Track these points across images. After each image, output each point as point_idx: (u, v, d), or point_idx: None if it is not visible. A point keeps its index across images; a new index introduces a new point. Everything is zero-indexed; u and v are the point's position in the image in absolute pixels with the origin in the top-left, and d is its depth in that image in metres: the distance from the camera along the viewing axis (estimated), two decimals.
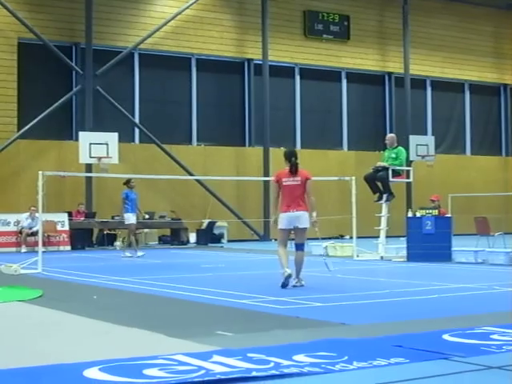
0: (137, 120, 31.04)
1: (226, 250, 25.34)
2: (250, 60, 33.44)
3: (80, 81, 29.63)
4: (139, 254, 21.83)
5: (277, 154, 32.68)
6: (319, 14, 34.84)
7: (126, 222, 22.37)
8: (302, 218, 12.14)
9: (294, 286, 11.84)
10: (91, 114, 29.13)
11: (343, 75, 35.89)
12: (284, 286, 11.73)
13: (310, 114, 34.83)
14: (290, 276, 11.80)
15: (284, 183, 12.30)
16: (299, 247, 12.26)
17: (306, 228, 12.25)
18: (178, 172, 29.35)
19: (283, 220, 12.16)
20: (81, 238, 27.11)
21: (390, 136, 20.36)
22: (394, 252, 19.62)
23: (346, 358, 5.98)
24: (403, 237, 19.42)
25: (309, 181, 12.49)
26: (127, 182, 22.24)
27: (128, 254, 21.89)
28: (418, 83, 37.16)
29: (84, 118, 29.32)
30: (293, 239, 12.60)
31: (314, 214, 12.42)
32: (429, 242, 17.79)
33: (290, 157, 12.50)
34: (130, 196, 22.15)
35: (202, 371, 5.53)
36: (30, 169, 26.39)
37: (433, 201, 23.01)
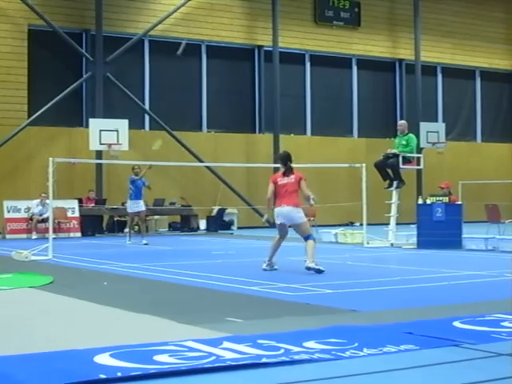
0: (147, 107, 31.04)
1: (235, 237, 25.37)
2: (260, 47, 33.37)
3: (90, 68, 29.64)
4: (128, 242, 21.53)
5: (287, 140, 32.72)
6: (330, 1, 34.70)
7: (128, 210, 22.21)
8: (292, 214, 12.76)
9: (308, 269, 12.21)
10: (101, 101, 29.15)
11: (353, 62, 35.78)
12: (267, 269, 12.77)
13: (320, 101, 34.75)
14: (265, 270, 12.77)
15: (279, 182, 13.02)
16: (306, 238, 12.84)
17: (300, 223, 12.89)
18: (188, 159, 29.35)
19: (277, 215, 12.91)
20: (91, 225, 27.18)
21: (402, 122, 20.31)
22: (405, 239, 19.61)
23: (356, 344, 5.99)
24: (413, 224, 19.39)
25: (302, 180, 13.04)
26: (132, 169, 22.07)
27: (129, 242, 21.63)
28: (429, 70, 37.01)
29: (94, 104, 29.33)
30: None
31: (312, 202, 12.98)
32: (439, 229, 17.76)
33: (285, 161, 13.26)
34: (135, 182, 21.85)
35: (213, 357, 5.54)
36: (41, 155, 26.43)
37: (442, 188, 22.94)
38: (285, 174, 13.07)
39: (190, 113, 32.42)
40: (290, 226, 13.16)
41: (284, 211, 12.75)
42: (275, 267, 13.02)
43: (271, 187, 13.16)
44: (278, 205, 12.86)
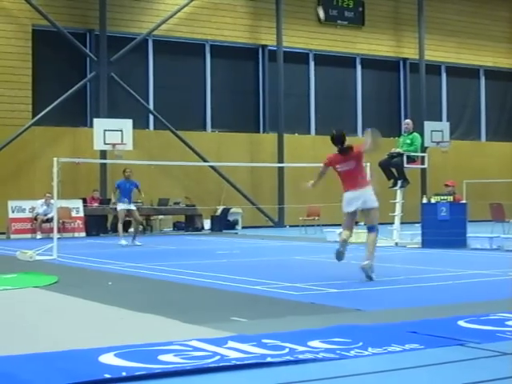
0: (151, 106, 31.06)
1: (240, 237, 25.37)
2: (264, 46, 33.37)
3: (94, 67, 29.67)
4: (123, 242, 20.79)
5: (291, 140, 32.75)
6: (334, 0, 34.70)
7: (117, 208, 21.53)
8: (365, 198, 11.50)
9: (367, 276, 11.01)
10: (105, 101, 29.17)
11: (358, 61, 35.77)
12: (338, 256, 11.53)
13: (325, 101, 34.75)
14: (341, 253, 11.49)
15: (339, 169, 11.97)
16: (370, 229, 11.83)
17: (372, 208, 11.60)
18: (192, 158, 29.36)
19: (344, 201, 11.71)
20: (95, 225, 27.21)
21: (408, 121, 20.30)
22: (409, 238, 19.59)
23: (361, 344, 5.98)
24: (418, 223, 19.38)
25: (360, 156, 11.94)
26: (123, 171, 21.52)
27: (124, 241, 20.89)
28: (433, 69, 36.99)
29: (98, 104, 29.36)
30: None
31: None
32: (444, 229, 17.74)
33: (338, 143, 12.19)
34: (122, 186, 21.17)
35: (217, 357, 5.54)
36: (45, 155, 26.47)
37: (447, 185, 22.88)
38: (341, 155, 11.94)
39: (194, 112, 32.43)
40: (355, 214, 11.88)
41: (357, 194, 11.46)
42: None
43: (323, 168, 12.25)
44: (347, 190, 11.66)
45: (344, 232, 11.76)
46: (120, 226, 21.56)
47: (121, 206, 21.26)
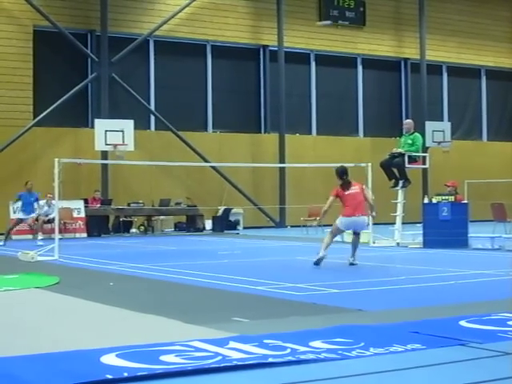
0: (152, 107, 31.07)
1: (241, 237, 25.37)
2: (265, 46, 33.37)
3: (95, 68, 29.67)
4: None
5: (292, 140, 32.73)
6: (335, 0, 34.69)
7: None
8: (362, 224, 14.26)
9: (351, 264, 13.68)
10: (107, 102, 29.18)
11: (359, 61, 35.76)
12: (316, 264, 13.27)
13: (326, 101, 34.74)
14: (321, 259, 13.29)
15: (346, 193, 13.88)
16: (356, 233, 14.17)
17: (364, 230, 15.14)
18: (193, 159, 29.35)
19: (346, 222, 13.94)
20: (97, 225, 27.20)
21: (407, 121, 20.30)
22: (411, 238, 19.59)
23: (363, 344, 5.98)
24: (419, 223, 19.37)
25: (365, 189, 14.47)
26: (25, 184, 22.51)
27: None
28: (434, 69, 36.98)
29: (100, 105, 29.37)
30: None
31: (374, 214, 15.01)
32: (445, 229, 17.73)
33: (342, 175, 14.10)
34: (24, 199, 22.39)
35: (219, 357, 5.54)
36: (46, 156, 26.46)
37: (448, 186, 22.85)
38: (344, 187, 13.93)
39: (195, 113, 32.43)
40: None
41: (360, 221, 13.99)
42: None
43: (332, 199, 14.00)
44: (352, 214, 13.79)
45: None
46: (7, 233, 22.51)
47: (21, 216, 22.72)
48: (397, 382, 5.09)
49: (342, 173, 14.13)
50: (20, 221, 23.01)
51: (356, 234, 14.13)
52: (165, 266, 13.70)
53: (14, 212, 25.76)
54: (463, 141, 37.07)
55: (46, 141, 28.65)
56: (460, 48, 37.58)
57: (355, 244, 14.01)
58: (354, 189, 13.94)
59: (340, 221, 13.95)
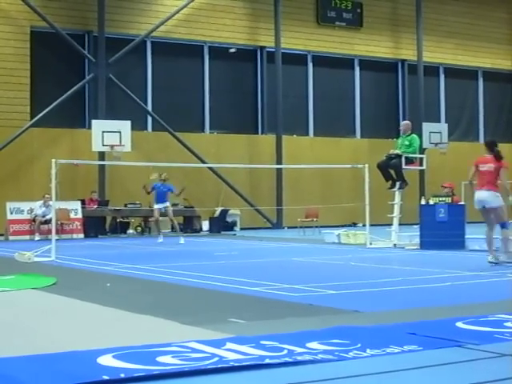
0: (149, 108, 31.07)
1: (238, 238, 25.37)
2: (262, 48, 33.39)
3: (93, 69, 29.67)
4: None
5: (289, 141, 32.74)
6: (332, 1, 34.73)
7: None
8: (488, 199, 13.58)
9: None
10: (104, 102, 29.18)
11: (356, 63, 35.79)
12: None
13: (323, 102, 34.76)
14: (491, 262, 13.30)
15: (480, 168, 13.92)
16: (500, 226, 13.89)
17: (494, 208, 13.66)
18: (190, 160, 29.34)
19: (475, 200, 13.80)
20: (94, 226, 27.20)
21: (404, 123, 20.30)
22: (407, 240, 19.58)
23: (360, 345, 5.98)
24: (416, 224, 19.38)
25: (502, 169, 14.02)
26: None
27: None
28: (431, 70, 37.02)
29: (97, 106, 29.37)
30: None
31: (510, 198, 14.25)
32: (442, 230, 17.73)
33: (492, 147, 14.22)
34: (157, 189, 23.21)
35: (216, 358, 5.54)
36: (43, 157, 26.45)
37: (444, 187, 22.86)
38: (488, 159, 13.90)
39: (192, 114, 32.44)
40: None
41: (480, 196, 13.63)
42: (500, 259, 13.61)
43: (473, 169, 14.06)
44: (477, 189, 13.77)
45: None
46: None
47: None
48: (393, 383, 5.09)
49: (492, 144, 14.34)
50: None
51: (501, 228, 14.05)
52: (162, 267, 13.69)
53: (11, 213, 25.77)
54: (460, 142, 37.08)
55: (43, 141, 28.64)
56: (457, 49, 37.62)
57: (502, 241, 14.02)
58: (489, 167, 13.93)
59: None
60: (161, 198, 23.26)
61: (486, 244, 13.79)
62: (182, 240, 22.77)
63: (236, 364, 5.37)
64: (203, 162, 29.61)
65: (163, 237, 23.33)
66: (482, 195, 13.55)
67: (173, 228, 24.78)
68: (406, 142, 19.22)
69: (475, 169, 13.83)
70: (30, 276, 12.34)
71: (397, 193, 19.62)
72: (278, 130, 32.56)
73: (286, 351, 5.78)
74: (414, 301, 9.11)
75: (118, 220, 28.19)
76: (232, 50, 27.27)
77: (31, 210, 25.92)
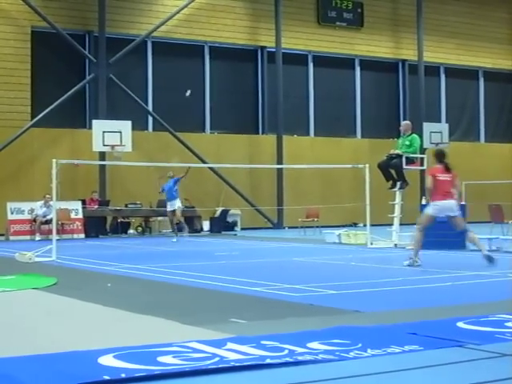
0: (150, 108, 31.07)
1: (239, 238, 25.36)
2: (263, 48, 33.39)
3: (93, 69, 29.67)
4: None
5: (290, 141, 32.74)
6: (332, 1, 34.73)
7: None
8: (454, 207, 13.81)
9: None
10: (104, 102, 29.18)
11: (357, 63, 35.79)
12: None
13: (324, 102, 34.75)
14: (410, 265, 13.29)
15: (439, 177, 13.75)
16: (464, 233, 14.19)
17: (457, 216, 13.92)
18: (191, 160, 29.33)
19: (436, 208, 13.73)
20: (94, 226, 27.20)
21: (404, 123, 20.27)
22: (408, 240, 19.55)
23: (360, 345, 5.97)
24: None
25: (456, 178, 14.13)
26: None
27: None
28: (432, 70, 37.01)
29: (97, 106, 29.37)
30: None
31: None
32: (442, 230, 17.65)
33: (441, 158, 14.00)
34: (165, 187, 24.04)
35: (217, 358, 5.54)
36: (44, 157, 26.46)
37: None
38: (442, 171, 13.80)
39: (193, 114, 32.44)
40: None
41: (448, 205, 13.67)
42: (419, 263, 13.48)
43: (431, 179, 13.84)
44: (441, 199, 13.67)
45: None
46: None
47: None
48: (394, 383, 5.09)
49: (440, 155, 14.13)
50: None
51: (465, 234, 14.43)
52: (162, 267, 13.69)
53: (12, 213, 25.77)
54: (461, 142, 37.08)
55: (43, 141, 28.65)
56: (458, 49, 37.61)
57: (472, 243, 14.33)
58: (448, 176, 13.88)
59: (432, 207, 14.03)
60: (169, 195, 24.18)
61: (414, 247, 14.00)
62: (174, 239, 23.47)
63: (237, 364, 5.36)
64: (204, 162, 29.61)
65: (177, 236, 24.22)
66: (449, 204, 13.71)
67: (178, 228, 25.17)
68: (407, 142, 19.20)
69: (433, 178, 13.82)
70: (31, 276, 12.34)
71: (397, 193, 19.61)
72: (278, 129, 32.56)
73: (286, 351, 5.78)
74: (414, 301, 9.10)
75: (118, 220, 28.19)
76: (187, 94, 27.74)
77: (32, 210, 25.93)
